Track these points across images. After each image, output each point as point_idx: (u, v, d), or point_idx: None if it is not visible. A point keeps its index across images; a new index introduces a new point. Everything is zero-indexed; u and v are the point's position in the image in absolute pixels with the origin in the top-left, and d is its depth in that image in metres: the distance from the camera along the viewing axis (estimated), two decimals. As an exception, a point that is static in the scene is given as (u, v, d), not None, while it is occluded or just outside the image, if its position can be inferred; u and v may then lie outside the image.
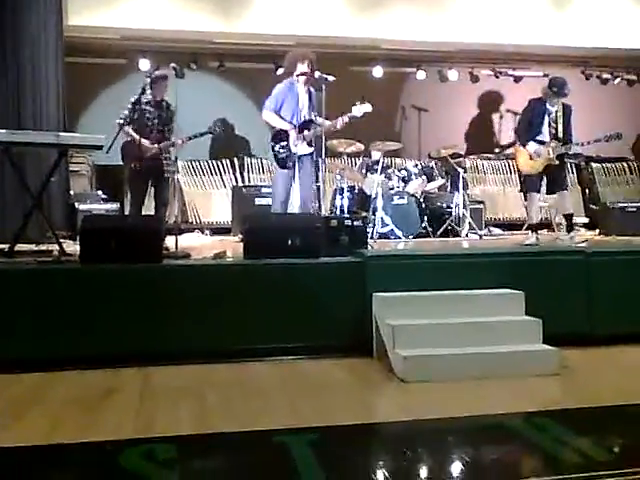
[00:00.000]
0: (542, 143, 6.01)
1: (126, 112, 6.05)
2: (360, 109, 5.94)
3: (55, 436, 2.89)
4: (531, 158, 6.02)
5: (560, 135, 6.00)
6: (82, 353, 4.01)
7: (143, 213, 6.20)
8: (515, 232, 8.92)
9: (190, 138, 6.06)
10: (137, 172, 5.98)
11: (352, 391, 3.66)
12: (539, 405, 3.35)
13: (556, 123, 6.04)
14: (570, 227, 6.21)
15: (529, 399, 3.47)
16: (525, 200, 6.39)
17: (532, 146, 6.03)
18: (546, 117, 6.05)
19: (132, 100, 6.02)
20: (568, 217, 6.28)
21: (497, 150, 10.64)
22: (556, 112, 6.06)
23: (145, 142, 5.92)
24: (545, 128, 6.05)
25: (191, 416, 3.18)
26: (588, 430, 2.97)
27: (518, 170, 6.42)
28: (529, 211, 6.31)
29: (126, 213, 7.22)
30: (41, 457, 2.73)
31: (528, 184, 6.19)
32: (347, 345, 4.26)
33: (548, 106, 6.08)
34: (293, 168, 5.94)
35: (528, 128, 6.11)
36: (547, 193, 6.34)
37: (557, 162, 5.96)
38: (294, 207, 5.91)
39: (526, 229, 6.69)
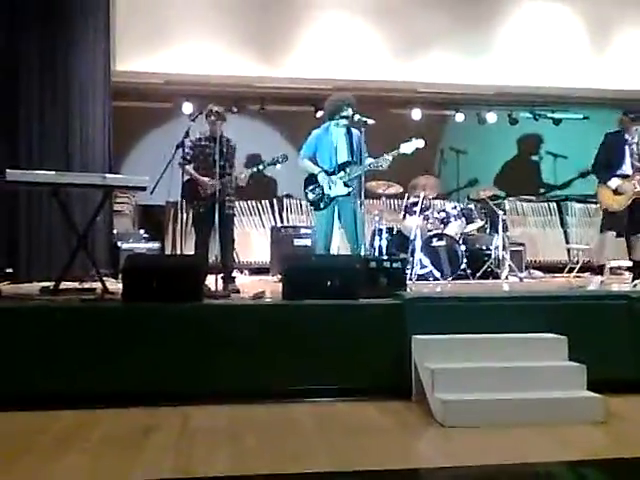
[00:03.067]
0: (625, 177, 5.72)
1: (187, 150, 6.04)
2: (411, 145, 5.95)
3: (96, 475, 2.91)
4: (616, 193, 5.70)
5: None
6: (122, 391, 4.04)
7: (208, 252, 6.04)
8: (556, 275, 8.79)
9: (254, 171, 6.09)
10: (200, 212, 5.96)
11: (391, 435, 3.61)
12: (583, 454, 3.25)
13: (638, 154, 5.74)
14: (638, 275, 5.83)
15: (573, 447, 3.38)
16: (599, 239, 6.02)
17: (614, 182, 5.72)
18: (626, 149, 5.77)
19: (192, 139, 6.05)
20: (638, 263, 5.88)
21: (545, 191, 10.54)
22: (637, 143, 5.75)
23: (206, 180, 5.87)
24: (627, 160, 5.75)
25: (229, 457, 3.17)
26: (635, 481, 2.88)
27: (603, 210, 5.98)
28: (599, 252, 5.99)
29: (168, 252, 7.27)
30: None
31: (610, 221, 5.85)
32: (386, 388, 4.22)
33: (627, 137, 5.79)
34: (330, 210, 6.00)
35: (607, 164, 5.81)
36: (632, 233, 5.87)
37: None
38: (335, 249, 5.94)
39: (597, 272, 6.15)
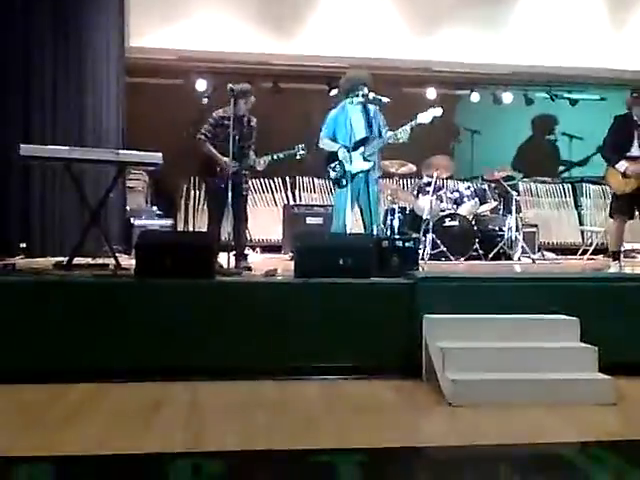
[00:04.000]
0: (635, 159, 5.69)
1: (208, 127, 5.97)
2: (428, 115, 5.88)
3: (106, 446, 2.95)
4: (624, 175, 5.66)
5: None
6: (133, 365, 4.07)
7: (221, 229, 5.99)
8: (569, 257, 8.74)
9: (274, 159, 6.06)
10: (216, 190, 5.89)
11: (400, 413, 3.62)
12: (594, 435, 3.24)
13: None
14: None
15: (583, 429, 3.37)
16: (614, 224, 5.99)
17: (622, 164, 5.69)
18: (635, 131, 5.72)
19: (215, 116, 5.97)
20: None
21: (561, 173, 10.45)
22: None
23: (226, 160, 5.76)
24: (635, 142, 5.71)
25: (238, 432, 3.19)
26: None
27: (613, 194, 5.98)
28: (614, 237, 5.95)
29: (180, 229, 7.30)
30: (92, 466, 2.79)
31: (620, 206, 5.83)
32: (396, 366, 4.23)
33: (635, 118, 5.75)
34: (351, 187, 5.99)
35: (616, 146, 5.78)
36: None
37: None
38: (350, 226, 5.94)
39: (610, 256, 6.11)
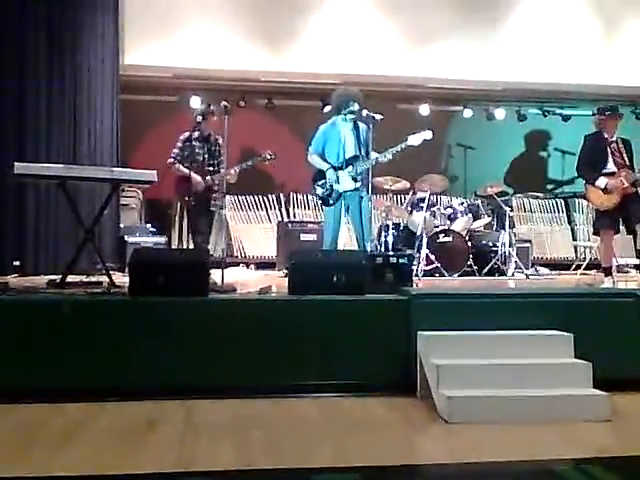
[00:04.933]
0: (611, 174, 5.75)
1: (176, 150, 6.27)
2: (418, 137, 5.91)
3: (101, 467, 2.93)
4: (605, 192, 5.72)
5: (627, 162, 5.76)
6: (127, 384, 4.05)
7: (209, 245, 6.38)
8: (563, 272, 8.75)
9: (243, 167, 6.19)
10: (191, 207, 6.11)
11: (395, 431, 3.60)
12: (589, 452, 3.24)
13: (619, 152, 5.78)
14: None
15: (578, 445, 3.36)
16: (601, 241, 6.05)
17: (602, 181, 5.74)
18: (607, 148, 5.80)
19: (182, 138, 6.26)
20: None
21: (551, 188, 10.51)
22: (616, 140, 5.81)
23: (196, 177, 6.08)
24: (610, 158, 5.78)
25: (233, 451, 3.18)
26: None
27: (596, 211, 6.01)
28: (604, 253, 5.98)
29: (175, 246, 7.35)
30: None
31: (604, 221, 5.86)
32: (391, 383, 4.22)
33: (606, 135, 5.84)
34: (339, 205, 6.01)
35: (591, 163, 5.84)
36: (627, 233, 5.91)
37: (633, 190, 5.67)
38: (341, 244, 5.95)
39: (602, 271, 6.11)
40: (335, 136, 6.10)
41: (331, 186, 6.05)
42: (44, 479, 2.78)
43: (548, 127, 10.59)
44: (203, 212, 6.23)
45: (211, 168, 6.28)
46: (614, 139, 5.87)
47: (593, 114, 10.23)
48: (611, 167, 5.80)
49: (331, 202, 6.06)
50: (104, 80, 7.78)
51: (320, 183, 6.12)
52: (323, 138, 6.17)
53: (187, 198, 6.13)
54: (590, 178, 5.87)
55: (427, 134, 5.93)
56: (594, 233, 6.07)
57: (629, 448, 3.31)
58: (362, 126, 6.04)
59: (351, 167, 6.02)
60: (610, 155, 5.81)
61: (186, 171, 6.07)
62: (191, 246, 6.25)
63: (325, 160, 6.11)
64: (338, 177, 6.01)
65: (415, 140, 5.93)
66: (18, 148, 6.93)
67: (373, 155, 5.97)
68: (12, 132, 7.01)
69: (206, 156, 6.26)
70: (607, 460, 3.09)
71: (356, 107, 5.94)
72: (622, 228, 5.95)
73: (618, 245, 6.06)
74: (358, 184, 6.00)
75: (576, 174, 6.23)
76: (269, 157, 6.31)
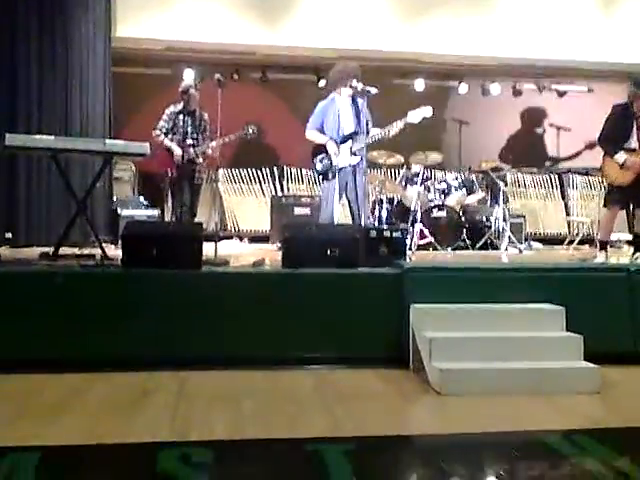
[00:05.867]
0: (632, 151, 5.59)
1: (162, 122, 6.43)
2: (418, 114, 5.85)
3: (94, 436, 2.94)
4: (622, 167, 5.58)
5: None
6: (120, 355, 4.07)
7: (194, 217, 6.55)
8: (556, 247, 8.79)
9: (225, 141, 6.19)
10: (174, 179, 6.23)
11: (388, 402, 3.63)
12: (579, 423, 3.28)
13: None
14: (638, 248, 5.75)
15: (568, 417, 3.40)
16: (606, 214, 5.93)
17: (621, 156, 5.59)
18: (634, 123, 5.61)
19: (167, 111, 6.42)
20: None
21: (548, 164, 10.49)
22: None
23: (177, 149, 6.30)
24: (634, 134, 5.61)
25: (226, 422, 3.20)
26: (629, 450, 2.90)
27: (609, 184, 5.87)
28: (604, 226, 5.91)
29: (167, 219, 7.39)
30: (80, 456, 2.78)
31: (615, 196, 5.74)
32: (384, 356, 4.24)
33: (635, 109, 5.63)
34: (338, 180, 6.00)
35: (614, 136, 5.67)
36: (636, 206, 5.83)
37: None
38: (337, 217, 5.98)
39: (596, 246, 6.04)
40: (334, 112, 6.08)
41: (330, 160, 6.03)
42: (37, 448, 2.79)
43: (543, 103, 10.56)
44: (185, 185, 6.31)
45: (194, 142, 6.33)
46: None
47: (589, 90, 10.30)
48: (633, 143, 5.64)
49: (330, 176, 6.05)
50: (96, 52, 7.71)
51: (319, 158, 6.12)
52: (322, 114, 6.15)
53: (169, 171, 6.22)
54: (610, 151, 5.71)
55: (427, 110, 5.86)
56: (604, 205, 5.98)
57: (618, 420, 3.35)
58: (360, 101, 6.00)
59: (350, 142, 6.01)
60: (635, 130, 5.63)
61: (168, 143, 6.17)
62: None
63: (325, 135, 6.09)
64: (338, 151, 6.00)
65: (415, 117, 5.88)
66: (9, 120, 6.87)
67: (374, 131, 5.95)
68: (3, 104, 6.94)
69: (189, 129, 6.38)
70: (596, 431, 3.12)
71: (354, 83, 5.89)
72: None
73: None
74: (357, 159, 5.99)
75: (597, 143, 5.97)
76: (251, 131, 6.30)
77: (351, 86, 5.90)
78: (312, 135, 6.19)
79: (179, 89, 6.58)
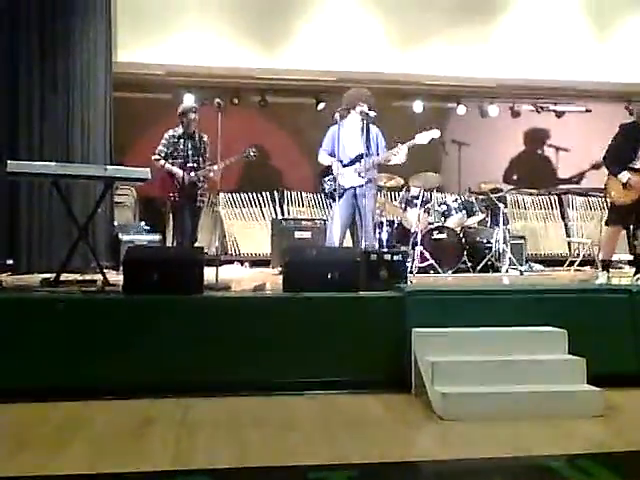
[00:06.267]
0: (637, 171, 5.62)
1: (160, 147, 6.47)
2: (426, 136, 5.97)
3: (96, 465, 2.92)
4: (625, 187, 5.61)
5: None
6: (122, 382, 4.04)
7: (195, 242, 6.57)
8: (557, 268, 8.78)
9: (227, 164, 6.26)
10: (176, 203, 6.24)
11: (390, 428, 3.61)
12: (583, 447, 3.25)
13: None
14: None
15: (572, 441, 3.38)
16: (607, 233, 5.96)
17: (625, 175, 5.62)
18: None
19: (166, 135, 6.36)
20: None
21: (557, 184, 10.52)
22: None
23: (179, 171, 6.32)
24: (639, 153, 5.63)
25: (229, 449, 3.17)
26: (633, 474, 2.89)
27: (611, 203, 5.91)
28: (606, 246, 5.92)
29: (169, 244, 7.41)
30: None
31: (617, 215, 5.79)
32: (385, 380, 4.22)
33: None
34: (345, 201, 6.08)
35: (619, 155, 5.69)
36: (637, 227, 5.93)
37: None
38: (338, 240, 6.04)
39: (597, 267, 6.14)
40: (343, 135, 6.19)
41: (337, 182, 6.12)
42: (39, 478, 2.77)
43: (542, 124, 10.61)
44: (188, 208, 6.34)
45: (195, 165, 6.37)
46: None
47: (587, 110, 10.36)
48: (638, 163, 5.66)
49: (336, 197, 6.13)
50: (97, 78, 7.76)
51: (327, 179, 6.24)
52: (332, 137, 6.26)
53: (171, 195, 6.23)
54: (614, 170, 5.72)
55: (435, 133, 6.02)
56: (605, 224, 6.00)
57: (622, 443, 3.32)
58: (374, 128, 6.12)
59: (357, 164, 6.08)
60: None
61: (169, 167, 6.20)
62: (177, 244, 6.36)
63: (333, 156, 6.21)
64: (344, 172, 6.08)
65: (423, 139, 6.01)
66: (11, 146, 6.90)
67: (382, 154, 6.06)
68: (5, 131, 6.98)
69: (190, 152, 6.40)
70: (601, 455, 3.10)
71: (365, 108, 6.03)
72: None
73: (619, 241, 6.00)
74: (362, 180, 6.05)
75: (602, 163, 6.04)
76: (252, 153, 6.39)
77: (360, 112, 6.03)
78: (322, 158, 6.35)
79: (178, 112, 6.63)
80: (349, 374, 4.24)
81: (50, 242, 7.04)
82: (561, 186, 10.51)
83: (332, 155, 6.26)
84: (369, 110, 6.05)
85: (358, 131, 6.15)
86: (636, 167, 5.67)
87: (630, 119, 5.88)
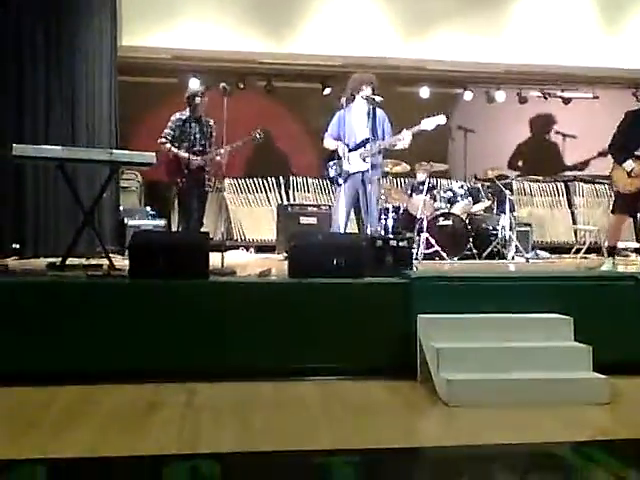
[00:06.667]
0: None
1: (167, 130, 6.42)
2: (432, 122, 5.94)
3: (101, 449, 2.94)
4: (630, 175, 5.59)
5: None
6: (127, 367, 4.06)
7: (202, 226, 6.55)
8: (563, 255, 8.76)
9: (233, 147, 6.23)
10: (183, 188, 6.21)
11: (395, 414, 3.62)
12: (588, 435, 3.26)
13: None
14: None
15: (577, 428, 3.38)
16: (613, 220, 5.96)
17: (629, 164, 5.59)
18: None
19: (173, 118, 6.32)
20: None
21: (564, 170, 10.46)
22: None
23: (186, 155, 6.28)
24: None
25: (234, 434, 3.18)
26: (639, 462, 2.88)
27: (616, 191, 5.88)
28: (612, 233, 5.93)
29: (175, 229, 7.41)
30: (87, 470, 2.78)
31: (622, 204, 5.78)
32: (391, 367, 4.22)
33: None
34: (350, 186, 6.06)
35: (624, 144, 5.66)
36: None
37: None
38: (343, 225, 6.04)
39: (603, 254, 6.08)
40: (349, 120, 6.18)
41: (341, 166, 6.10)
42: (44, 461, 2.78)
43: (549, 110, 10.54)
44: (195, 193, 6.32)
45: (202, 149, 6.35)
46: None
47: (595, 97, 10.29)
48: None
49: (340, 182, 6.13)
50: (102, 62, 7.73)
51: (331, 164, 6.21)
52: (338, 122, 6.25)
53: (178, 179, 6.20)
54: (619, 158, 5.70)
55: (441, 119, 5.99)
56: (611, 211, 5.99)
57: (628, 431, 3.32)
58: (379, 111, 6.09)
59: (362, 149, 6.06)
60: None
61: (176, 150, 6.17)
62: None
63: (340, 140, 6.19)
64: (349, 156, 6.06)
65: (429, 124, 5.98)
66: (16, 130, 6.89)
67: (388, 137, 6.03)
68: (10, 115, 6.96)
69: (197, 136, 6.39)
70: (606, 443, 3.10)
71: (369, 91, 6.00)
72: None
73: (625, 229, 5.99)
74: (367, 165, 6.03)
75: (607, 150, 5.98)
76: (258, 136, 6.38)
77: (366, 95, 5.99)
78: (328, 142, 6.31)
79: (185, 95, 6.60)
80: (354, 360, 4.24)
81: (56, 227, 7.05)
82: (567, 173, 10.46)
83: (336, 139, 6.24)
84: (374, 94, 6.00)
85: (364, 116, 6.12)
86: None
87: (636, 106, 5.81)
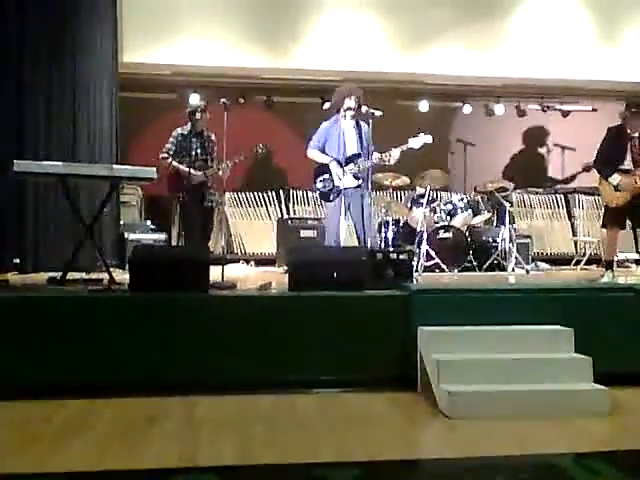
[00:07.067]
0: (627, 172, 5.67)
1: (169, 145, 6.37)
2: (419, 141, 5.97)
3: (102, 463, 2.93)
4: (617, 189, 5.68)
5: None
6: (128, 380, 4.06)
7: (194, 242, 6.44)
8: (563, 267, 8.76)
9: (235, 161, 6.23)
10: (184, 203, 6.21)
11: (396, 426, 3.61)
12: (589, 446, 3.25)
13: (639, 149, 5.67)
14: None
15: (579, 439, 3.38)
16: (607, 234, 6.03)
17: (615, 178, 5.68)
18: (627, 144, 5.70)
19: (174, 133, 6.33)
20: None
21: (551, 184, 10.48)
22: (638, 137, 5.69)
23: (191, 171, 6.17)
24: (628, 155, 5.69)
25: (234, 447, 3.18)
26: (640, 473, 2.88)
27: (605, 206, 6.00)
28: (608, 247, 5.98)
29: (176, 244, 7.40)
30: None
31: (612, 218, 5.86)
32: (392, 379, 4.22)
33: (629, 131, 5.73)
34: (339, 201, 6.03)
35: (609, 158, 5.75)
36: (634, 227, 5.98)
37: None
38: (342, 241, 6.00)
39: (603, 266, 6.16)
40: (336, 133, 6.13)
41: (332, 181, 6.06)
42: (44, 475, 2.78)
43: (547, 123, 10.58)
44: (196, 208, 6.30)
45: (203, 163, 6.35)
46: (636, 135, 5.74)
47: (593, 109, 10.33)
48: (628, 164, 5.70)
49: (331, 198, 6.09)
50: (103, 78, 7.77)
51: (321, 179, 6.15)
52: (325, 134, 6.19)
53: (179, 194, 6.21)
54: (605, 172, 5.78)
55: (427, 138, 6.01)
56: (602, 226, 6.05)
57: (629, 442, 3.32)
58: (364, 124, 6.06)
59: (352, 165, 6.04)
60: (629, 151, 5.70)
61: (177, 165, 6.17)
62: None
63: (327, 155, 6.13)
64: (340, 173, 6.03)
65: (415, 143, 6.00)
66: (17, 146, 6.91)
67: (375, 155, 6.00)
68: (11, 130, 6.99)
69: (199, 151, 6.40)
70: (607, 454, 3.09)
71: (353, 103, 5.97)
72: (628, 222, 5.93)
73: (619, 240, 6.05)
74: (359, 182, 6.02)
75: (592, 165, 6.12)
76: (261, 150, 6.38)
77: (351, 108, 5.97)
78: (314, 154, 6.22)
79: (187, 110, 6.63)
80: (355, 372, 4.24)
81: (57, 241, 7.05)
82: (567, 185, 10.48)
83: (322, 151, 6.19)
84: (359, 105, 5.96)
85: (353, 130, 6.12)
86: (625, 168, 5.71)
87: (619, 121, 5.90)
